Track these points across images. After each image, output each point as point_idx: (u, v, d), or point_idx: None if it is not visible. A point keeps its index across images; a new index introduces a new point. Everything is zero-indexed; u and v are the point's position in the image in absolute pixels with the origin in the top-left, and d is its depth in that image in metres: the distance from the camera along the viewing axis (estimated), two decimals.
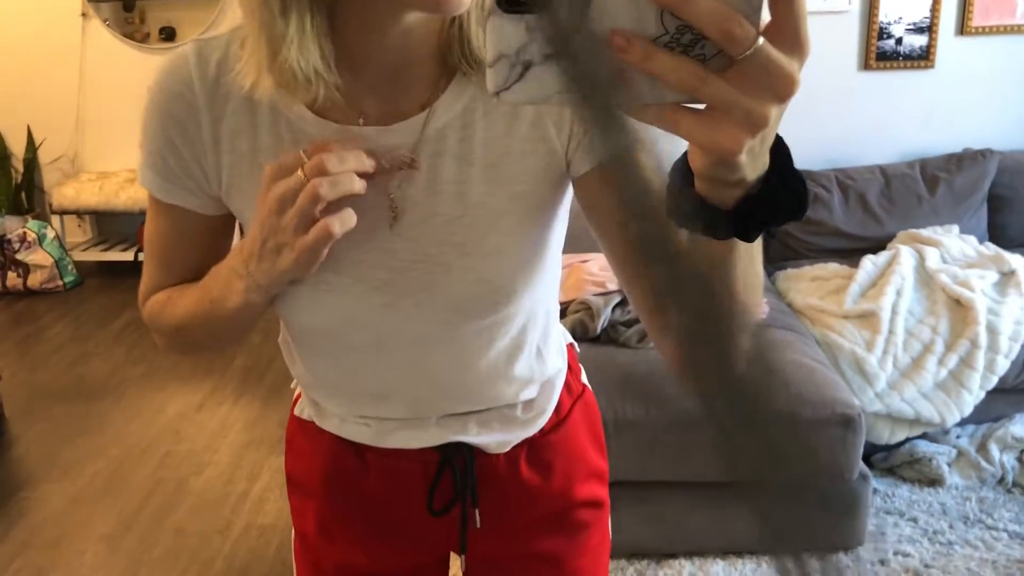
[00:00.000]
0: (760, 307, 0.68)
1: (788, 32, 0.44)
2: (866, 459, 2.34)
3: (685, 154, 0.52)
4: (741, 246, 0.58)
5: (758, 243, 0.60)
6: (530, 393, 0.94)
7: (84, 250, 4.82)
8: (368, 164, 0.73)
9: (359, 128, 0.76)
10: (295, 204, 0.70)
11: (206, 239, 0.86)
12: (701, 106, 0.45)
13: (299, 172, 0.70)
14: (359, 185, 0.71)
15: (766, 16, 0.43)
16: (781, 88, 0.44)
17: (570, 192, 0.84)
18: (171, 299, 0.86)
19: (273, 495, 2.62)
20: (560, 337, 1.01)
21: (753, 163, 0.49)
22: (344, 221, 0.71)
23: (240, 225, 0.85)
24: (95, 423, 3.12)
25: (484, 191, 0.78)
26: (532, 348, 0.92)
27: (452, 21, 0.73)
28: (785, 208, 0.53)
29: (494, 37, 0.43)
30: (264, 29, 0.66)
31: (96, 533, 2.47)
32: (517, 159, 0.78)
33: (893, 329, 2.52)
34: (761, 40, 0.43)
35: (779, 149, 0.52)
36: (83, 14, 4.71)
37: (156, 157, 0.80)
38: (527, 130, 0.78)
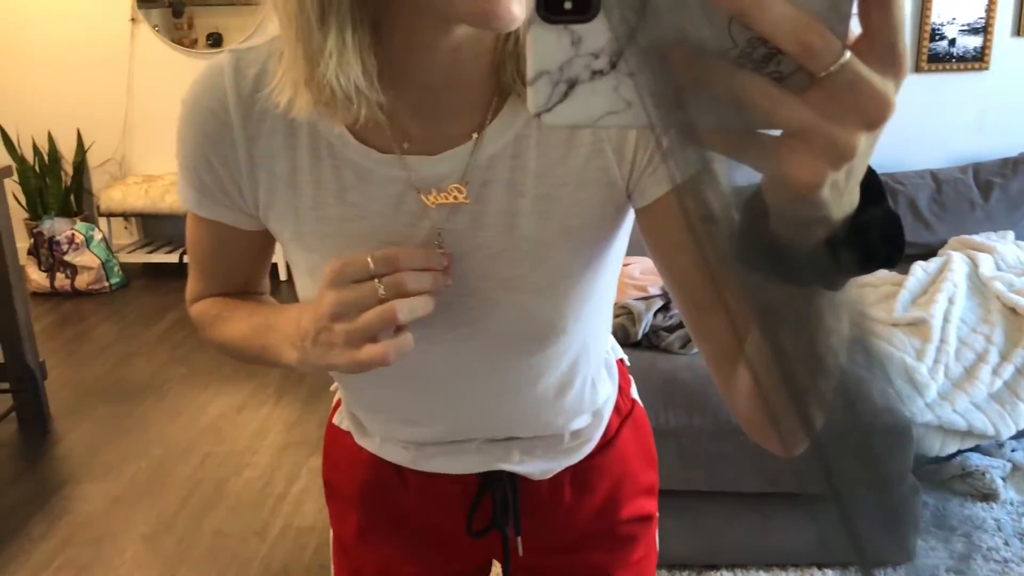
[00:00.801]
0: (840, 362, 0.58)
1: (882, 45, 0.37)
2: (915, 471, 2.28)
3: (759, 188, 0.43)
4: (825, 295, 0.48)
5: (845, 292, 0.49)
6: (579, 423, 0.90)
7: (130, 252, 4.89)
8: (441, 263, 0.69)
9: (403, 157, 0.71)
10: (362, 319, 0.65)
11: (246, 252, 0.84)
12: (777, 132, 0.39)
13: (376, 284, 0.65)
14: (431, 306, 0.67)
15: (856, 28, 0.37)
16: (872, 112, 0.37)
17: (629, 220, 0.77)
18: (220, 317, 0.84)
19: (311, 497, 2.62)
20: (611, 355, 0.96)
21: (838, 200, 0.41)
22: (400, 349, 0.66)
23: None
24: (138, 423, 3.15)
25: (535, 224, 0.72)
26: (586, 381, 0.87)
27: (506, 37, 0.67)
28: (876, 252, 0.45)
29: (534, 51, 0.37)
30: (301, 41, 0.61)
31: (136, 532, 2.48)
32: (572, 191, 0.71)
33: (945, 338, 2.44)
34: (848, 55, 0.36)
35: (871, 185, 0.44)
36: (132, 19, 4.78)
37: (192, 172, 0.77)
38: (584, 160, 0.71)
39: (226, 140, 0.74)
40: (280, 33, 0.64)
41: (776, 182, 0.41)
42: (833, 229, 0.43)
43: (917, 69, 3.29)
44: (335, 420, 0.99)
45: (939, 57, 3.26)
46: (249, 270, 0.84)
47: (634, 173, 0.71)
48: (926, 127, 3.33)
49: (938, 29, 3.23)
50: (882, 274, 2.83)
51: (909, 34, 3.24)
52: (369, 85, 0.62)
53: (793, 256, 0.44)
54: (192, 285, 0.88)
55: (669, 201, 0.70)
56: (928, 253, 2.93)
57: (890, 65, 0.37)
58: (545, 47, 0.37)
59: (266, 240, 0.83)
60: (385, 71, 0.64)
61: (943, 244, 2.98)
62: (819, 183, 0.39)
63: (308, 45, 0.61)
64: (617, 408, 0.96)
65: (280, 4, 0.61)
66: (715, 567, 2.20)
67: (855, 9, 0.36)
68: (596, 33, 0.37)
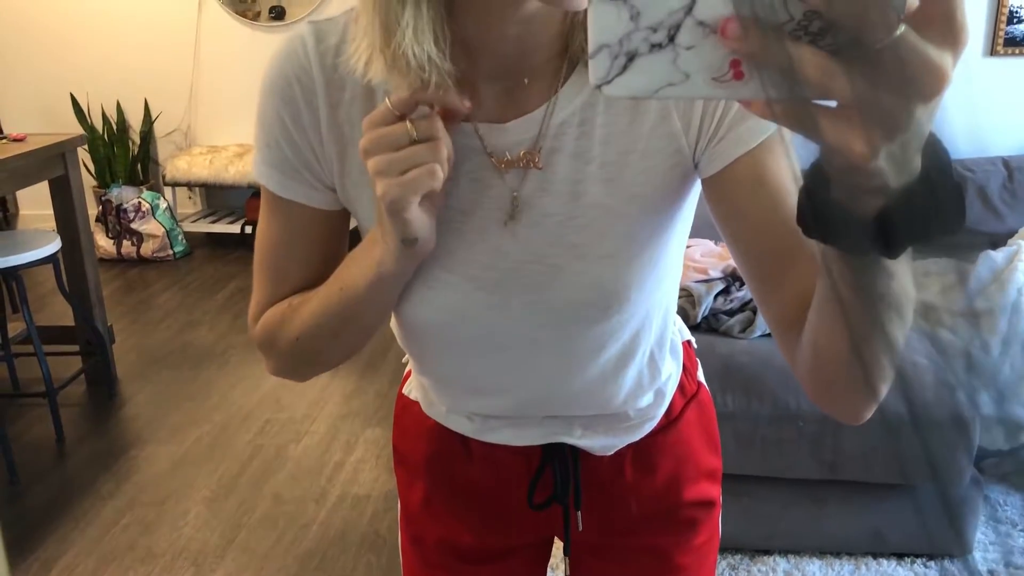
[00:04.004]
0: (907, 329, 0.57)
1: (939, 16, 0.37)
2: (977, 464, 2.24)
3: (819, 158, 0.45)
4: (886, 263, 0.49)
5: (905, 260, 0.50)
6: (640, 402, 0.91)
7: (194, 221, 5.00)
8: (464, 105, 0.68)
9: (475, 124, 0.73)
10: (407, 150, 0.65)
11: (322, 240, 0.82)
12: (833, 103, 0.39)
13: (408, 125, 0.65)
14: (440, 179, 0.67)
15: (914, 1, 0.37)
16: (928, 84, 0.38)
17: (695, 191, 0.78)
18: (292, 305, 0.82)
19: (367, 466, 2.67)
20: (677, 335, 0.96)
21: (896, 169, 0.42)
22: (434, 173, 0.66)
23: (355, 221, 0.82)
24: (201, 388, 3.23)
25: (602, 191, 0.73)
26: (645, 354, 0.87)
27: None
28: (936, 222, 0.45)
29: (595, 25, 0.39)
30: (379, 11, 0.63)
31: (199, 495, 2.56)
32: (638, 158, 0.73)
33: (1013, 328, 2.39)
34: (904, 27, 0.36)
35: (936, 155, 0.44)
36: None
37: (273, 150, 0.77)
38: (650, 128, 0.72)
39: (309, 106, 0.75)
40: (357, 4, 0.66)
41: (832, 153, 0.42)
42: (892, 198, 0.44)
43: (993, 52, 3.20)
44: (404, 390, 1.01)
45: (1016, 41, 3.16)
46: (324, 261, 0.82)
47: (700, 141, 0.72)
48: (1000, 113, 3.24)
49: (1016, 12, 3.13)
50: (948, 262, 2.77)
51: (985, 16, 3.16)
52: (441, 55, 0.64)
53: (853, 224, 0.45)
54: (258, 297, 0.85)
55: (735, 170, 0.70)
56: (997, 242, 2.86)
57: (948, 37, 0.37)
58: (605, 21, 0.39)
59: (343, 226, 0.83)
60: (458, 42, 0.66)
61: (1013, 234, 2.90)
62: (874, 154, 0.39)
63: (386, 15, 0.63)
64: (681, 388, 0.96)
65: None
66: (768, 552, 2.20)
67: None
68: (654, 7, 0.38)
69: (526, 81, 0.72)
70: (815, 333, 0.63)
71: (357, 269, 0.76)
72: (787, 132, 0.69)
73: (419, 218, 0.68)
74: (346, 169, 0.77)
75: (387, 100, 0.66)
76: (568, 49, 0.71)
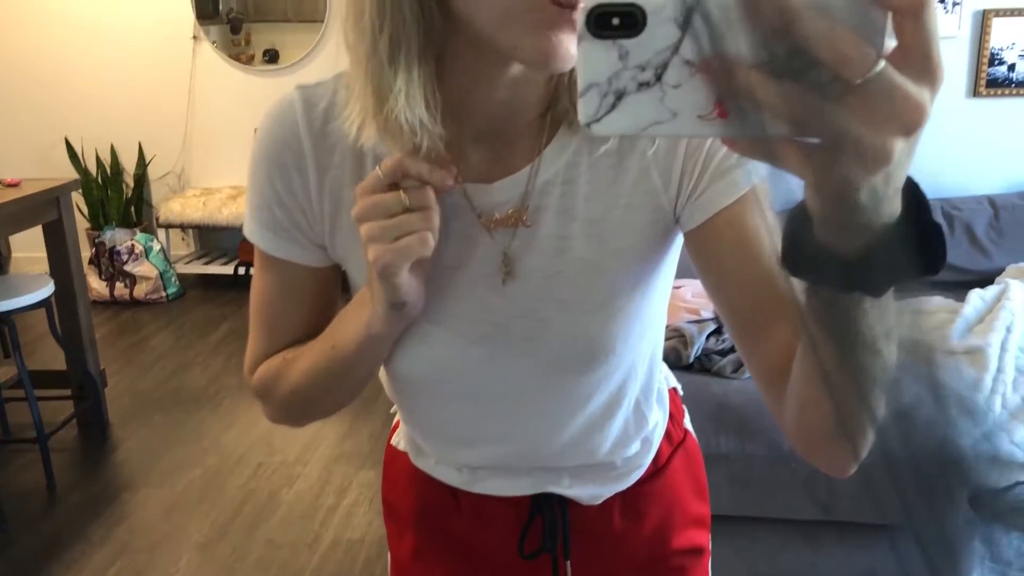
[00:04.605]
0: (888, 372, 0.60)
1: (916, 55, 0.38)
2: (971, 503, 2.24)
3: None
4: (869, 303, 0.50)
5: (888, 300, 0.51)
6: (627, 451, 0.92)
7: (187, 263, 5.01)
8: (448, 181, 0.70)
9: (463, 185, 0.75)
10: (400, 218, 0.67)
11: (313, 294, 0.83)
12: (816, 140, 0.40)
13: (400, 194, 0.67)
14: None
15: (892, 41, 0.39)
16: (907, 118, 0.39)
17: (677, 245, 0.80)
18: (286, 360, 0.84)
19: (361, 510, 2.66)
20: (663, 384, 0.97)
21: (878, 206, 0.43)
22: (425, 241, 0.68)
23: (347, 277, 0.84)
24: (193, 431, 3.22)
25: (586, 247, 0.76)
26: (630, 404, 0.88)
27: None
28: (917, 260, 0.46)
29: (584, 64, 0.40)
30: (372, 79, 0.65)
31: (191, 540, 2.54)
32: (621, 214, 0.75)
33: (1002, 367, 2.41)
34: (883, 63, 0.38)
35: (915, 196, 0.45)
36: (194, 37, 4.91)
37: (263, 211, 0.79)
38: (632, 185, 0.75)
39: (299, 169, 0.77)
40: (349, 69, 0.68)
41: (816, 188, 0.43)
42: (874, 236, 0.44)
43: (976, 94, 3.25)
44: (393, 441, 1.02)
45: (998, 82, 3.22)
46: (317, 314, 0.84)
47: (680, 197, 0.74)
48: (984, 152, 3.29)
49: (997, 54, 3.19)
50: (937, 301, 2.79)
51: (968, 59, 3.22)
52: (432, 119, 0.66)
53: (836, 263, 0.46)
54: (254, 347, 0.86)
55: (715, 224, 0.72)
56: (985, 280, 2.88)
57: (925, 73, 0.39)
58: (595, 61, 0.40)
59: (333, 282, 0.84)
60: (448, 105, 0.68)
61: (1000, 271, 2.93)
62: (856, 186, 0.41)
63: (378, 83, 0.65)
64: (668, 436, 0.97)
65: (353, 44, 0.65)
66: None
67: (890, 21, 0.38)
68: (642, 47, 0.39)
69: (512, 143, 0.74)
70: (800, 384, 0.63)
71: (347, 329, 0.78)
72: (764, 189, 0.72)
73: (408, 283, 0.70)
74: (337, 229, 0.79)
75: (378, 168, 0.68)
76: (552, 110, 0.73)
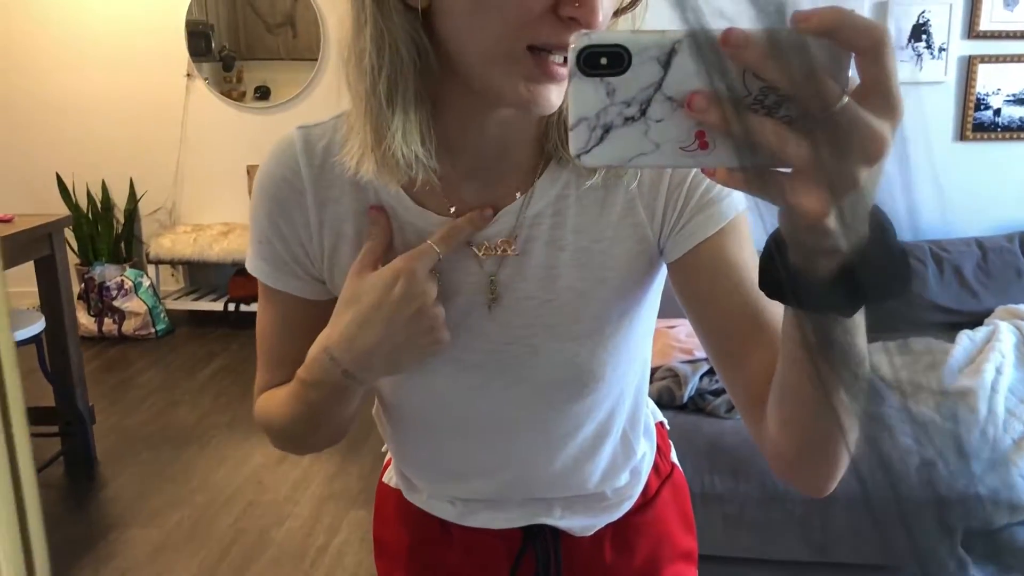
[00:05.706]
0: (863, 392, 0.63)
1: (877, 92, 0.42)
2: (963, 544, 2.24)
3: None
4: (843, 323, 0.53)
5: (859, 320, 0.54)
6: (617, 481, 0.94)
7: (176, 299, 4.99)
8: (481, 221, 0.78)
9: (455, 218, 0.78)
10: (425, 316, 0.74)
11: (313, 327, 0.84)
12: (788, 169, 0.44)
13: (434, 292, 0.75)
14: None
15: (856, 78, 0.42)
16: (870, 148, 0.42)
17: (661, 276, 0.83)
18: (272, 394, 0.87)
19: (352, 549, 2.63)
20: (650, 417, 1.00)
21: (845, 231, 0.46)
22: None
23: None
24: (181, 470, 3.19)
25: (574, 276, 0.79)
26: (618, 433, 0.91)
27: None
28: (885, 283, 0.50)
29: (575, 100, 0.43)
30: (370, 117, 0.69)
31: None
32: (607, 245, 0.79)
33: (992, 408, 2.42)
34: (846, 99, 0.41)
35: (882, 223, 0.49)
36: (188, 75, 4.94)
37: (264, 245, 0.82)
38: (618, 218, 0.78)
39: (299, 206, 0.80)
40: (349, 108, 0.73)
41: (789, 214, 0.46)
42: (843, 260, 0.48)
43: (962, 138, 3.30)
44: (384, 478, 1.03)
45: (984, 126, 3.28)
46: None
47: (664, 229, 0.78)
48: (971, 195, 3.33)
49: (983, 99, 3.25)
50: (928, 342, 2.81)
51: (954, 103, 3.28)
52: (427, 155, 0.71)
53: (808, 285, 0.50)
54: (258, 379, 0.90)
55: (697, 254, 0.76)
56: (974, 321, 2.91)
57: (885, 108, 0.42)
58: (584, 97, 0.43)
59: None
60: (442, 142, 0.73)
61: (989, 313, 2.96)
62: (825, 212, 0.44)
63: (377, 121, 0.69)
64: (656, 468, 0.99)
65: (353, 83, 0.70)
66: None
67: (853, 61, 0.42)
68: (628, 85, 0.43)
69: (503, 178, 0.78)
70: (778, 403, 0.66)
71: (316, 351, 0.80)
72: (745, 220, 0.77)
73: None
74: (336, 263, 0.82)
75: (431, 244, 0.74)
76: (543, 146, 0.77)
